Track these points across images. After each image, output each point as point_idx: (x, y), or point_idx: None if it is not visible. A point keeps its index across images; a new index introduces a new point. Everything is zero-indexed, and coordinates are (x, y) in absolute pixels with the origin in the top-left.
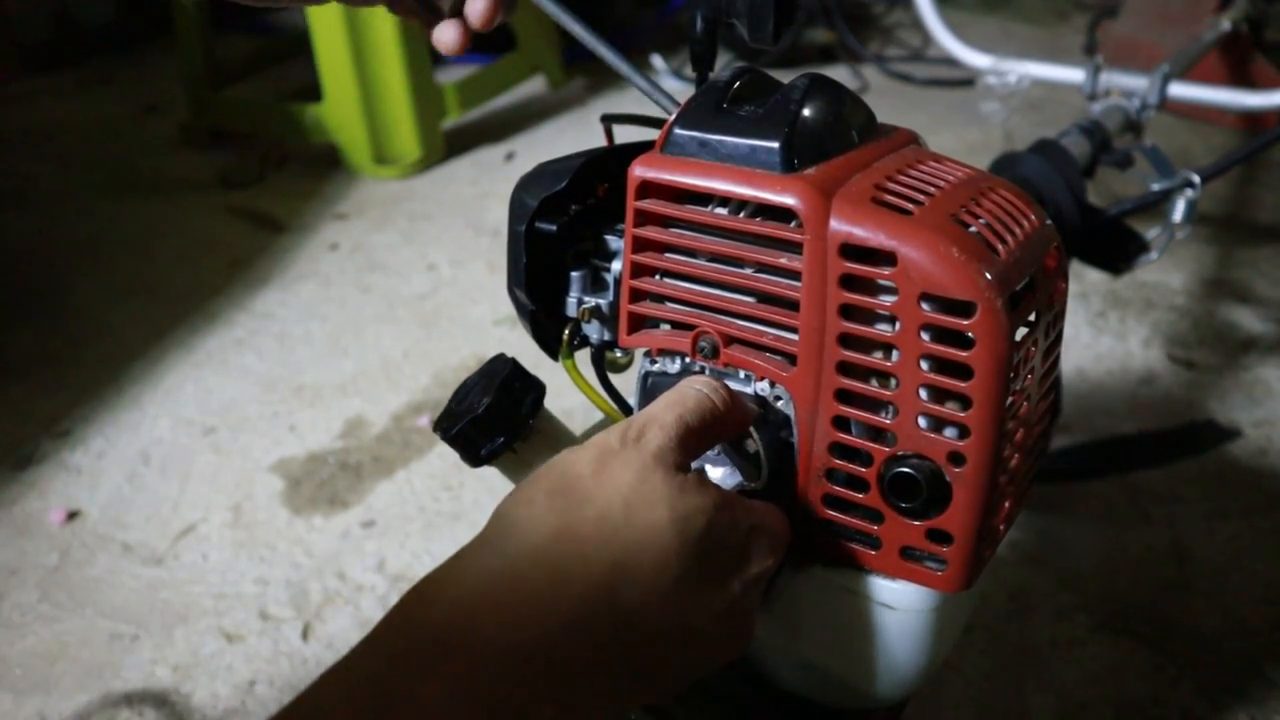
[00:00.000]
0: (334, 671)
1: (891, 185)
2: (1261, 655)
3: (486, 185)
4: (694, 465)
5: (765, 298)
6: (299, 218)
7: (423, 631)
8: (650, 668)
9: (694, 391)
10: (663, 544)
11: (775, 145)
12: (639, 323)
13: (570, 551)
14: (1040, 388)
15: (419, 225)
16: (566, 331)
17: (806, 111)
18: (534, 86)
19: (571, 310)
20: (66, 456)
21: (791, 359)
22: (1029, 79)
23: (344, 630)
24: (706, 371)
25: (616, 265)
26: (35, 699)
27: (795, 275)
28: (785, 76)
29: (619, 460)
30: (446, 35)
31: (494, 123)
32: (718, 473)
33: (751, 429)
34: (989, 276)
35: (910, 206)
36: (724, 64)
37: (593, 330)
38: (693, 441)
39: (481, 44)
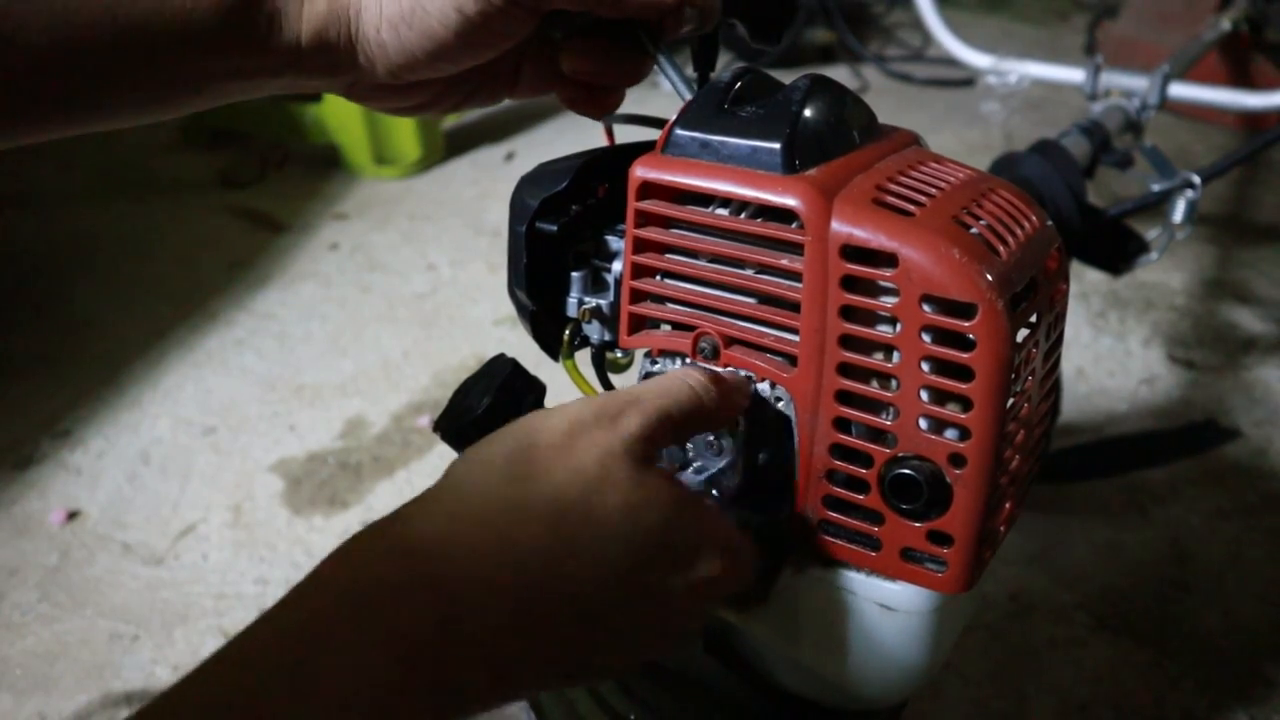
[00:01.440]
0: (262, 620)
1: (893, 186)
2: (1261, 655)
3: (486, 185)
4: (694, 462)
5: (766, 299)
6: (299, 218)
7: (356, 584)
8: (580, 651)
9: (686, 387)
10: (610, 530)
11: (776, 146)
12: (639, 323)
13: (516, 524)
14: (1041, 389)
15: (419, 225)
16: (567, 332)
17: (808, 112)
18: None
19: (572, 311)
20: (66, 456)
21: (792, 360)
22: (1029, 79)
23: None
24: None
25: (617, 266)
26: (35, 699)
27: (796, 276)
28: (786, 77)
29: (588, 438)
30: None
31: (494, 123)
32: (690, 475)
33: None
34: (990, 278)
35: (911, 208)
36: (724, 64)
37: (593, 331)
38: (669, 434)
39: None
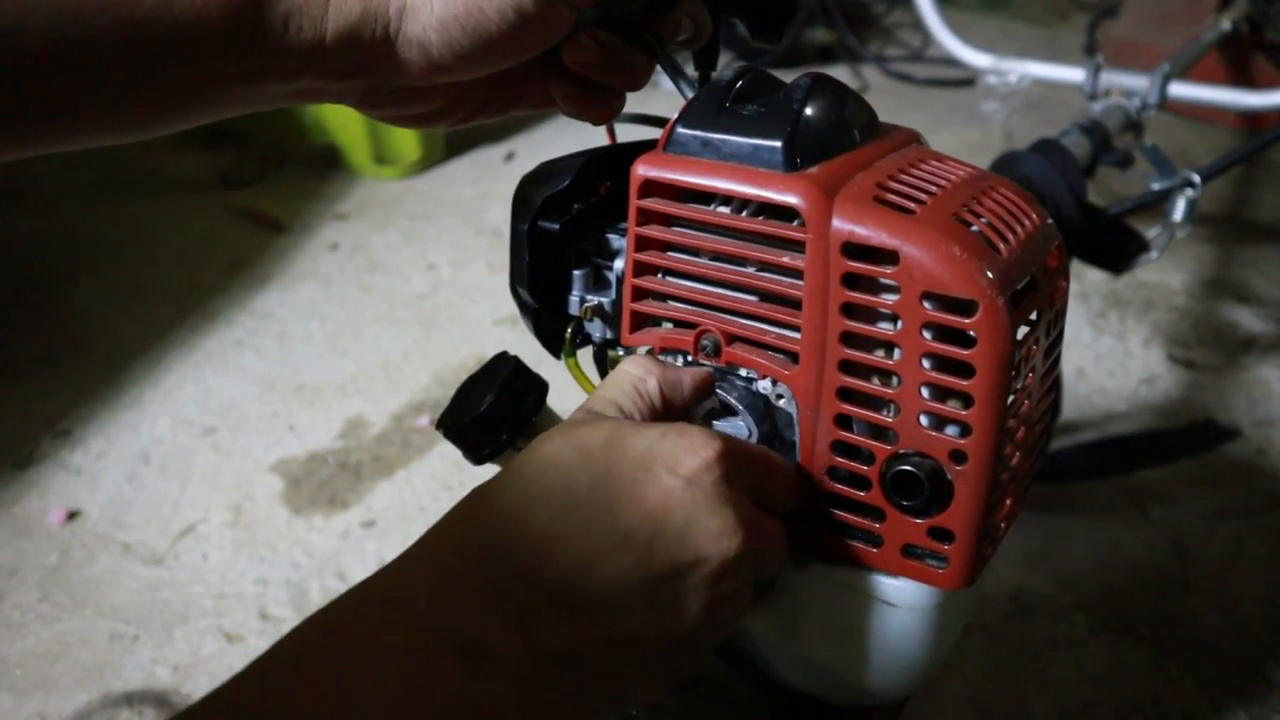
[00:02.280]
0: (349, 595)
1: (893, 184)
2: (1261, 655)
3: (486, 185)
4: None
5: (767, 296)
6: (299, 218)
7: (407, 557)
8: (607, 606)
9: (644, 369)
10: (564, 461)
11: (778, 144)
12: (641, 321)
13: (482, 492)
14: (1041, 386)
15: (419, 225)
16: (569, 330)
17: (809, 111)
18: None
19: (574, 309)
20: (66, 456)
21: (794, 357)
22: (1029, 79)
23: None
24: (681, 361)
25: (619, 264)
26: (35, 699)
27: (797, 274)
28: (786, 76)
29: (556, 441)
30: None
31: (494, 123)
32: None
33: (752, 429)
34: (990, 275)
35: (912, 205)
36: (725, 63)
37: (595, 328)
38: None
39: None
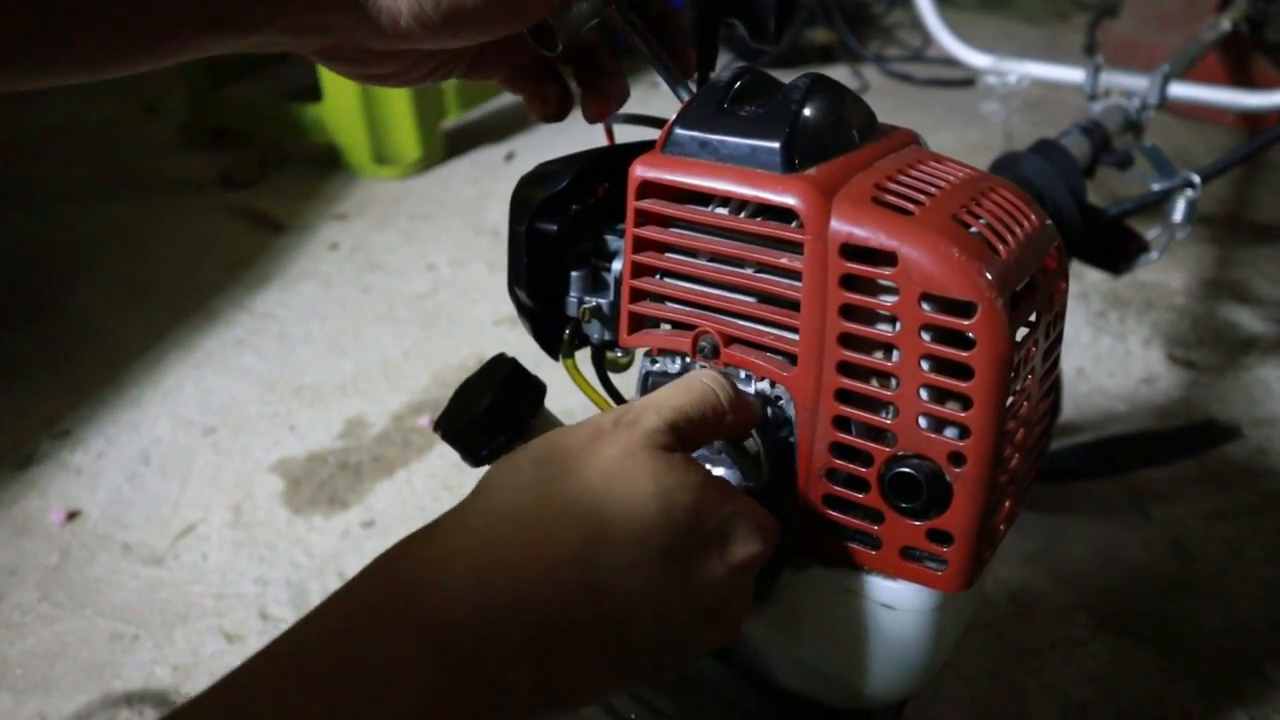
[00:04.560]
0: (303, 622)
1: (892, 185)
2: (1261, 655)
3: (486, 185)
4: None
5: (766, 298)
6: (299, 218)
7: (396, 585)
8: (627, 641)
9: (699, 384)
10: (643, 515)
11: (776, 145)
12: (639, 322)
13: (548, 517)
14: (1040, 388)
15: (419, 225)
16: (567, 331)
17: (807, 111)
18: None
19: (572, 310)
20: (66, 456)
21: (792, 359)
22: (1029, 79)
23: None
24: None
25: (617, 265)
26: (35, 699)
27: (796, 275)
28: (785, 76)
29: (608, 439)
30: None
31: (494, 123)
32: (718, 472)
33: (753, 430)
34: (989, 277)
35: (911, 207)
36: (724, 64)
37: (593, 330)
38: (689, 431)
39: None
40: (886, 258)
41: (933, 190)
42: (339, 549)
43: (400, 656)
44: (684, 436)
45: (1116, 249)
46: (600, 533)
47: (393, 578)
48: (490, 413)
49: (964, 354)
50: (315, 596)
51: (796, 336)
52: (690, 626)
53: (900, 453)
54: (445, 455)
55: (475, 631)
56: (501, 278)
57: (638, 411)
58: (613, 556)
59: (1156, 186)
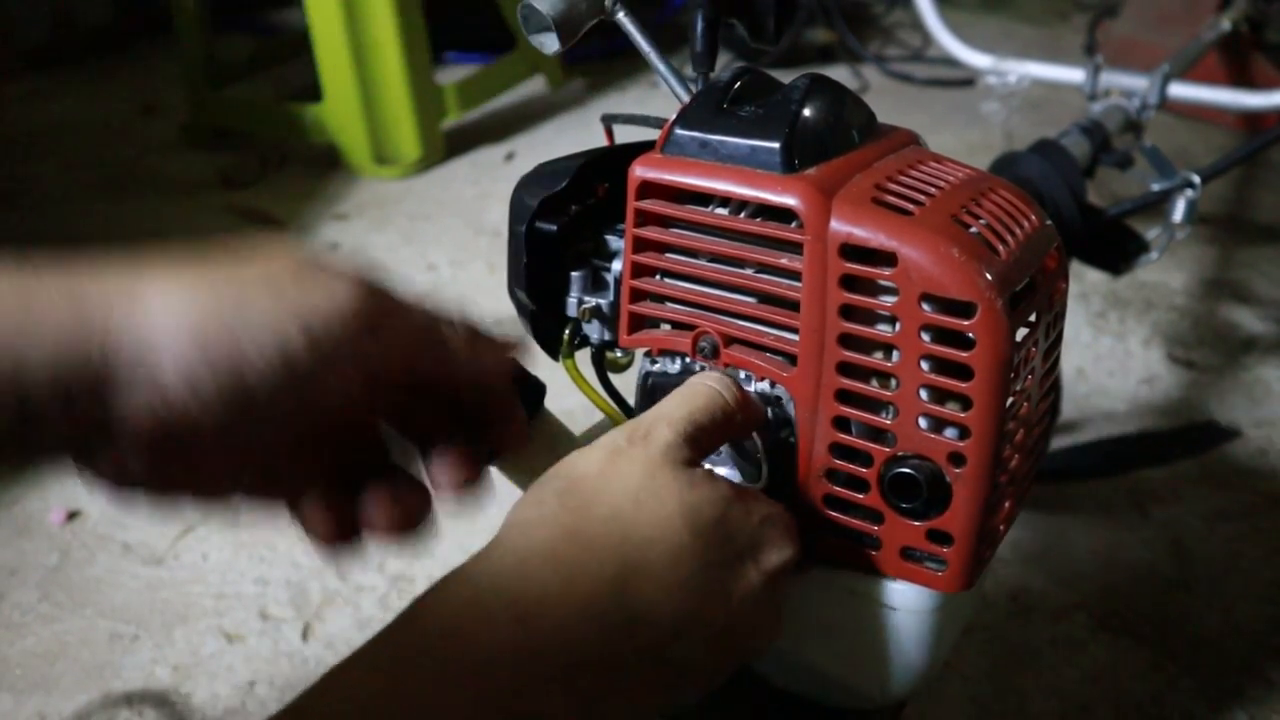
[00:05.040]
0: (340, 670)
1: (892, 186)
2: (1261, 655)
3: (486, 185)
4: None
5: (766, 298)
6: (299, 218)
7: (433, 630)
8: (672, 665)
9: (705, 388)
10: (674, 537)
11: (776, 145)
12: (639, 323)
13: (581, 548)
14: (1040, 388)
15: (419, 225)
16: (567, 331)
17: (807, 112)
18: (534, 86)
19: (572, 310)
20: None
21: (792, 359)
22: (1029, 79)
23: (344, 630)
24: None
25: (617, 265)
26: (35, 699)
27: (795, 275)
28: (785, 77)
29: (626, 458)
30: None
31: (494, 123)
32: (720, 473)
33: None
34: (989, 277)
35: (910, 207)
36: (724, 64)
37: (593, 330)
38: (703, 438)
39: (482, 44)
40: (886, 258)
41: (932, 190)
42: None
43: (451, 703)
44: (698, 445)
45: (1117, 249)
46: (633, 561)
47: (437, 623)
48: None
49: (964, 354)
50: (315, 596)
51: (796, 337)
52: (732, 639)
53: (900, 453)
54: None
55: (518, 672)
56: (501, 278)
57: (649, 425)
58: (648, 584)
59: (1156, 186)
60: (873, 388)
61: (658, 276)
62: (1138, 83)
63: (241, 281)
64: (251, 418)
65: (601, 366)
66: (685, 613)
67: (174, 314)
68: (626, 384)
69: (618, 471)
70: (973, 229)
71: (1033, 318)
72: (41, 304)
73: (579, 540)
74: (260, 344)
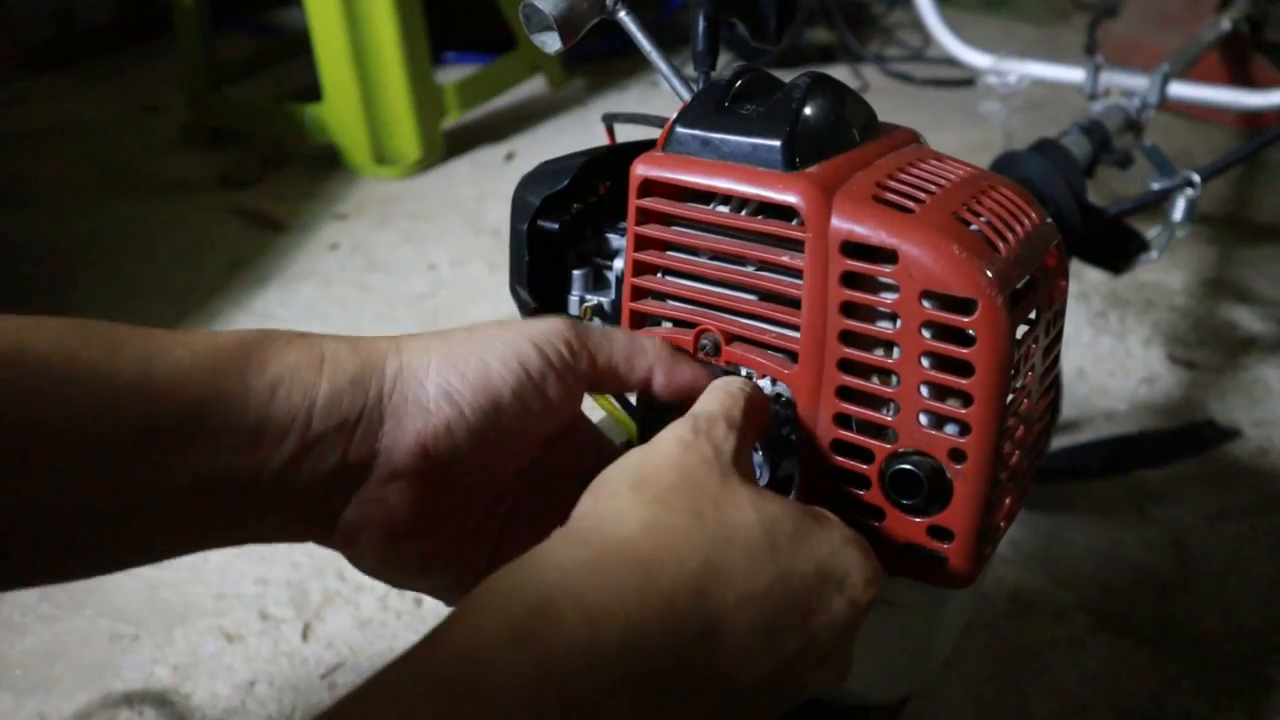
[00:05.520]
0: (398, 664)
1: (893, 183)
2: (1261, 656)
3: (486, 185)
4: None
5: (767, 295)
6: (299, 218)
7: (499, 623)
8: (739, 688)
9: (737, 385)
10: (754, 545)
11: (777, 143)
12: (641, 320)
13: (660, 546)
14: (1041, 385)
15: (419, 225)
16: None
17: (808, 110)
18: (534, 86)
19: (574, 308)
20: None
21: (793, 356)
22: (1029, 79)
23: (344, 630)
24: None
25: (618, 263)
26: (35, 699)
27: (797, 273)
28: (786, 76)
29: (698, 457)
30: None
31: (494, 123)
32: None
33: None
34: (990, 274)
35: (911, 204)
36: (724, 63)
37: None
38: (751, 437)
39: (481, 44)
40: (887, 255)
41: (933, 188)
42: None
43: (505, 704)
44: (745, 449)
45: (1117, 248)
46: (714, 563)
47: (495, 619)
48: None
49: (964, 351)
50: (315, 596)
51: (797, 334)
52: (801, 666)
53: (901, 449)
54: None
55: (585, 675)
56: (502, 278)
57: (708, 421)
58: (729, 591)
59: (1156, 186)
60: (874, 384)
61: (659, 274)
62: (1138, 82)
63: (476, 328)
64: (500, 426)
65: None
66: (761, 628)
67: (431, 352)
68: None
69: (692, 472)
70: (973, 226)
71: (1033, 315)
72: (332, 351)
73: (658, 536)
74: (502, 359)
